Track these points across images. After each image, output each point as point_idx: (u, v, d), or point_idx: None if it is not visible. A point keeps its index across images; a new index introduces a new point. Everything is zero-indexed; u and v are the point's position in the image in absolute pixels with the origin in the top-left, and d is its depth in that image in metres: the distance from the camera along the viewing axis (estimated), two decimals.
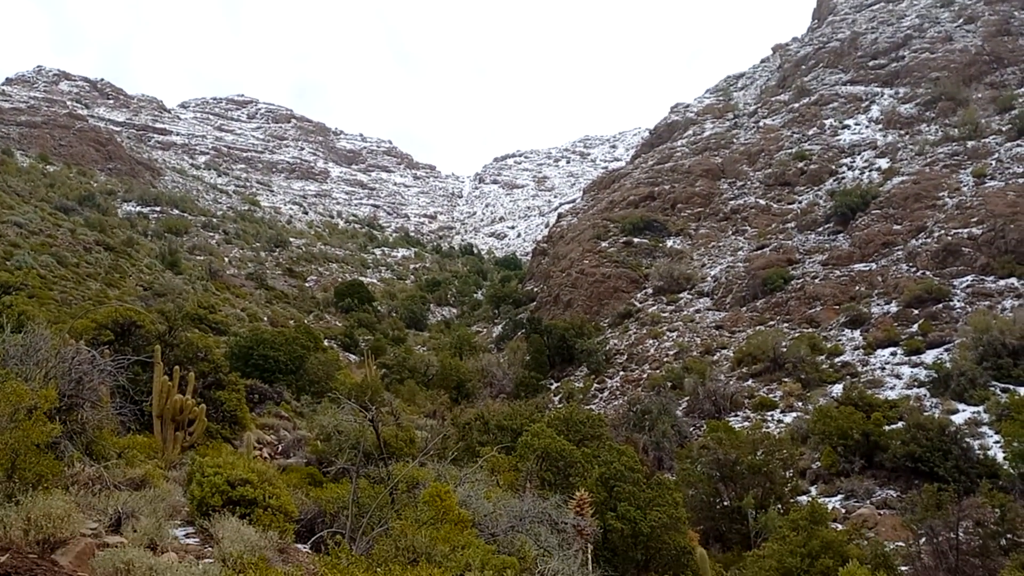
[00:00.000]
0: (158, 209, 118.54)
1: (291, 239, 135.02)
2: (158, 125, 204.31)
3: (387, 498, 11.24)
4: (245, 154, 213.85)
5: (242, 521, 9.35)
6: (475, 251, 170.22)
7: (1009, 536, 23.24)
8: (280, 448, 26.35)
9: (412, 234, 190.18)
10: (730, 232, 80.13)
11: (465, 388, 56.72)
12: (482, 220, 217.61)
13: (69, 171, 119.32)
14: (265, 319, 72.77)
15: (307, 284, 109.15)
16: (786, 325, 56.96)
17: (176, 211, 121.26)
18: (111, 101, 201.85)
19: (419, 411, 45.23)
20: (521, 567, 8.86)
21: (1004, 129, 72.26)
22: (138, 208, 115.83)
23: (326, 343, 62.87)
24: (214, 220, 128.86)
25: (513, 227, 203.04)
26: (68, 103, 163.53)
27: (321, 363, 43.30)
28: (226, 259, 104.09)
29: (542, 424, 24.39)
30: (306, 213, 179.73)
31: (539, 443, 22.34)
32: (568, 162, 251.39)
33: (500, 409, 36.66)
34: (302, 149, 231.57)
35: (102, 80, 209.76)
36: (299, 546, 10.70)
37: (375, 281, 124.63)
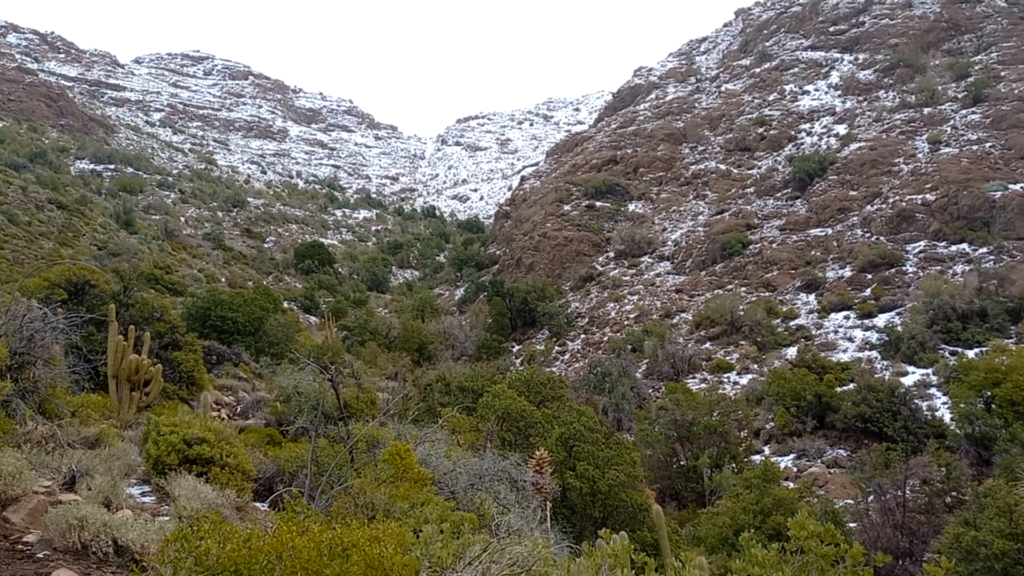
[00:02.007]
0: (112, 167, 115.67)
1: (249, 199, 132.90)
2: (111, 81, 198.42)
3: (346, 457, 11.25)
4: (201, 111, 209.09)
5: (199, 480, 9.30)
6: (437, 213, 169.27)
7: (954, 494, 24.07)
8: (239, 409, 26.19)
9: (374, 196, 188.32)
10: (691, 197, 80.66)
11: (427, 350, 56.73)
12: (444, 182, 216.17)
13: (19, 127, 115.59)
14: (223, 280, 71.80)
15: (266, 245, 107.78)
16: (744, 289, 57.75)
17: (131, 169, 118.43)
18: (62, 55, 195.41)
19: (380, 373, 45.16)
20: (480, 523, 8.95)
21: (959, 96, 73.39)
22: (91, 166, 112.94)
23: (286, 305, 62.31)
24: (170, 179, 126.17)
25: (476, 190, 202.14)
26: (17, 56, 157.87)
27: (280, 325, 42.93)
28: (182, 219, 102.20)
29: (503, 385, 24.55)
30: (264, 173, 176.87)
31: (500, 404, 22.50)
32: (531, 124, 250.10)
33: (462, 371, 36.77)
34: (260, 107, 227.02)
35: (52, 33, 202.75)
36: (257, 504, 10.68)
37: (336, 243, 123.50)
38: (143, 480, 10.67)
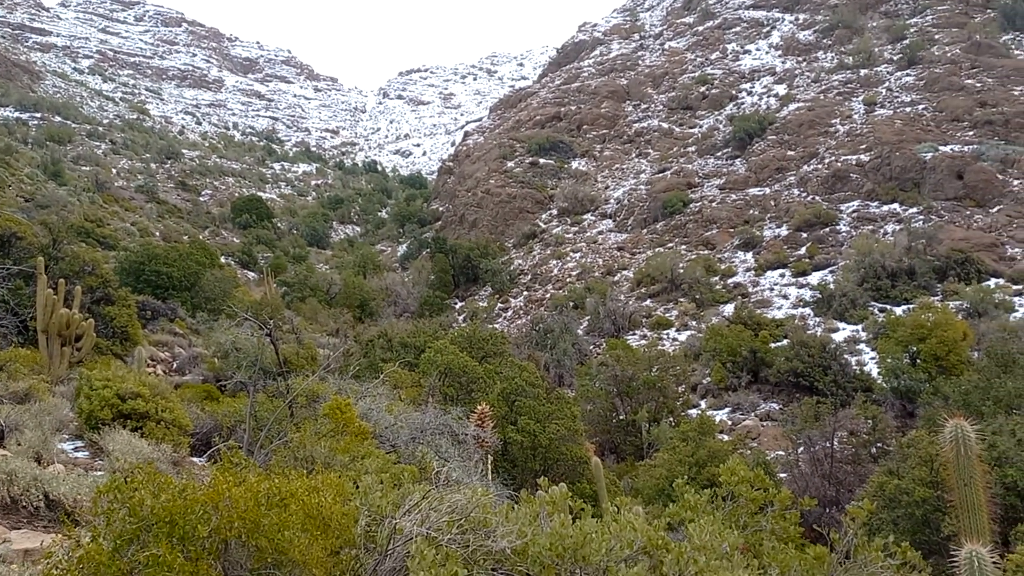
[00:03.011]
0: (38, 116, 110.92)
1: (184, 151, 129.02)
2: (36, 25, 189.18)
3: (286, 412, 11.16)
4: (133, 59, 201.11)
5: (134, 434, 9.14)
6: (379, 168, 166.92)
7: (879, 445, 25.09)
8: (175, 365, 25.71)
9: (313, 149, 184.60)
10: (633, 155, 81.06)
11: (369, 307, 56.34)
12: (386, 137, 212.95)
13: None
14: (157, 234, 69.93)
15: (201, 198, 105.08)
16: (684, 247, 58.56)
17: (58, 118, 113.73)
18: None
19: (321, 329, 44.73)
20: (421, 476, 9.01)
21: (895, 58, 74.85)
22: (16, 114, 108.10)
23: (223, 260, 61.03)
24: (100, 129, 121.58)
25: (418, 145, 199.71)
26: None
27: (217, 280, 42.09)
28: (114, 170, 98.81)
29: (445, 341, 24.54)
30: (199, 124, 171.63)
31: (442, 359, 22.52)
32: (475, 79, 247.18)
33: (404, 327, 36.66)
34: (194, 56, 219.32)
35: None
36: (195, 459, 10.56)
37: (274, 197, 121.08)
38: (76, 436, 10.44)
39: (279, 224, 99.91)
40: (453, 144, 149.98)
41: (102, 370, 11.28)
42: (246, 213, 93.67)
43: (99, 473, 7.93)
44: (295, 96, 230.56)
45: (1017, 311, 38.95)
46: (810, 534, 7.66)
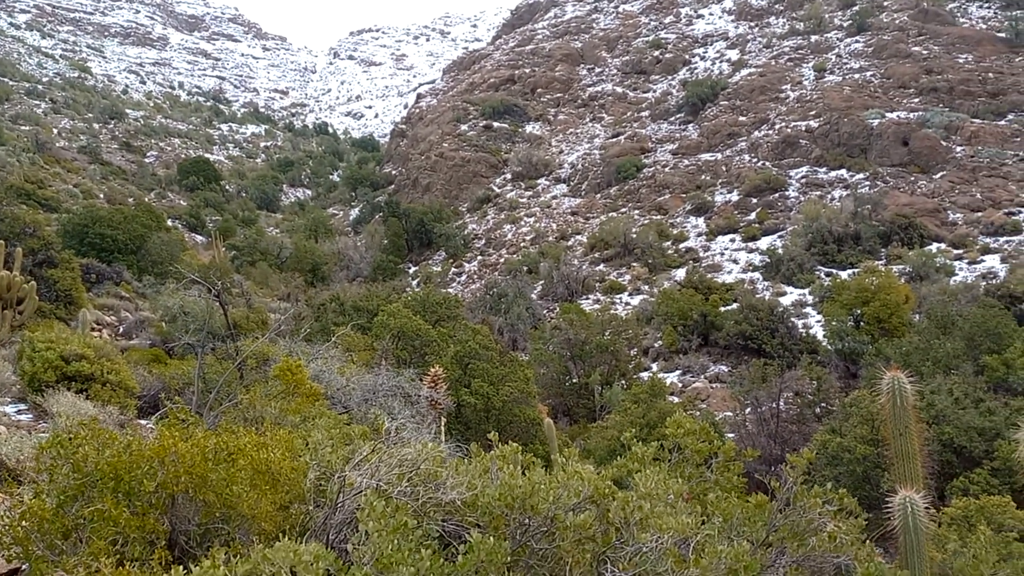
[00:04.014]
0: None
1: (128, 111, 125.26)
2: None
3: (235, 374, 11.06)
4: (72, 14, 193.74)
5: (79, 397, 8.98)
6: (330, 131, 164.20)
7: (823, 405, 25.85)
8: (121, 330, 25.24)
9: (262, 110, 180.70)
10: (588, 119, 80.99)
11: (321, 271, 55.81)
12: (337, 98, 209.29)
13: None
14: (101, 196, 68.02)
15: (147, 160, 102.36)
16: (637, 212, 58.94)
17: None
18: None
19: (272, 294, 44.28)
20: (373, 435, 9.03)
21: (845, 25, 75.67)
22: None
23: (170, 223, 59.75)
24: (39, 87, 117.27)
25: (370, 107, 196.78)
26: None
27: (164, 243, 41.28)
28: (55, 130, 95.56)
29: (399, 305, 24.46)
30: (144, 83, 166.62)
31: (395, 322, 22.46)
32: (428, 40, 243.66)
33: (357, 291, 36.42)
34: (137, 12, 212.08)
35: None
36: (142, 421, 10.42)
37: (222, 159, 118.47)
38: (19, 398, 10.22)
39: (228, 187, 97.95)
40: (406, 106, 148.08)
41: (45, 332, 11.03)
42: (193, 175, 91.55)
43: (44, 435, 7.80)
44: (243, 55, 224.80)
45: (957, 275, 40.15)
46: (754, 487, 7.87)
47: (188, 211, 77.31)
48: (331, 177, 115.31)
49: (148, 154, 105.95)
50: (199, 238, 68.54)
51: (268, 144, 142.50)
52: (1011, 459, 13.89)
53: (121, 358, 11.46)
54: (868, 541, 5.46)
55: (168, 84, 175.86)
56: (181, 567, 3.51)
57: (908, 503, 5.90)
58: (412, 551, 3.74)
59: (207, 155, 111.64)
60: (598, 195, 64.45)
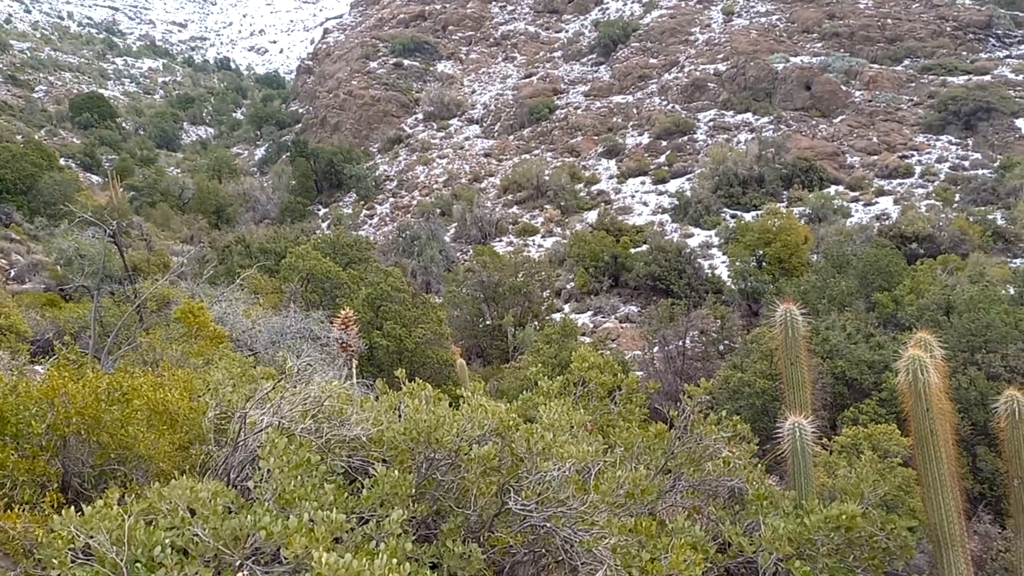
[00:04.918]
0: None
1: (12, 42, 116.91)
2: None
3: (135, 317, 10.67)
4: None
5: None
6: (233, 66, 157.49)
7: (727, 342, 26.85)
8: (12, 274, 23.98)
9: (159, 44, 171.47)
10: (500, 59, 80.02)
11: (225, 213, 54.06)
12: (240, 32, 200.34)
13: None
14: None
15: (36, 95, 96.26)
16: (550, 154, 59.02)
17: None
18: None
19: (174, 236, 42.70)
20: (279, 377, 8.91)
21: None
22: None
23: (62, 162, 56.67)
24: None
25: (275, 42, 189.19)
26: None
27: (57, 183, 39.19)
28: None
29: (308, 247, 24.01)
30: (28, 12, 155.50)
31: (304, 265, 22.07)
32: None
33: (264, 233, 35.49)
34: None
35: None
36: (36, 368, 9.99)
37: (118, 95, 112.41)
38: None
39: (124, 124, 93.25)
40: (312, 42, 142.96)
41: None
42: (87, 112, 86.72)
43: None
44: None
45: (853, 216, 41.93)
46: (659, 421, 8.13)
47: (82, 149, 73.47)
48: (234, 115, 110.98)
49: (36, 89, 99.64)
50: (95, 178, 65.32)
51: (167, 80, 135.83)
52: (896, 389, 14.76)
53: (12, 302, 10.91)
54: (760, 466, 5.76)
55: (56, 14, 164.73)
56: (73, 509, 3.41)
57: (796, 428, 6.23)
58: (316, 487, 3.73)
59: (101, 91, 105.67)
60: (511, 136, 64.16)
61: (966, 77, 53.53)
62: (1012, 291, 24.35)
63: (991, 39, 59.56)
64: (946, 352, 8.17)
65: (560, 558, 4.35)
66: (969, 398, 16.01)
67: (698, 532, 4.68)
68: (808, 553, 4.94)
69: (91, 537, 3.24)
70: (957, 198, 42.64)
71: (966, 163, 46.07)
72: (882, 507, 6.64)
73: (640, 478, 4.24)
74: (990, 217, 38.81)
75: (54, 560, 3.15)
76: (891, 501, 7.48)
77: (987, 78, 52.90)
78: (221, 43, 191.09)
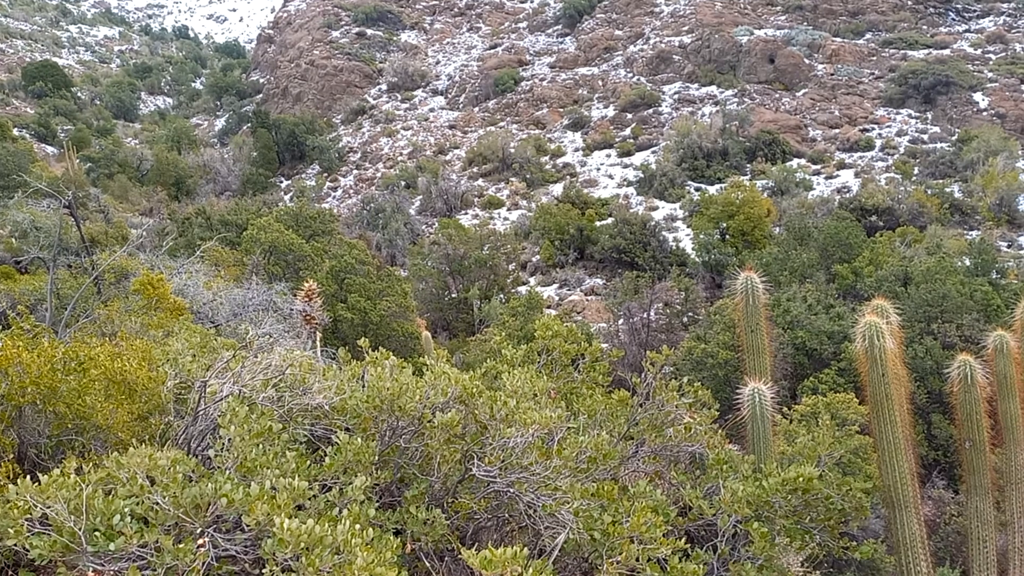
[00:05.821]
0: None
1: None
2: None
3: (92, 289, 10.48)
4: None
5: None
6: (191, 35, 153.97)
7: (690, 314, 27.15)
8: None
9: (115, 11, 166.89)
10: (465, 28, 79.22)
11: (185, 185, 53.13)
12: (198, 0, 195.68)
13: None
14: None
15: None
16: (515, 127, 58.74)
17: None
18: None
19: (133, 209, 41.93)
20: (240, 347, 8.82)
21: None
22: None
23: (15, 132, 55.20)
24: None
25: (234, 10, 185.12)
26: None
27: (10, 154, 38.24)
28: None
29: (270, 219, 23.74)
30: None
31: (266, 237, 21.81)
32: None
33: (225, 206, 35.02)
34: None
35: None
36: None
37: (72, 63, 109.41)
38: None
39: (80, 94, 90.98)
40: (273, 10, 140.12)
41: None
42: (40, 81, 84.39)
43: None
44: None
45: (815, 189, 42.42)
46: (621, 388, 8.20)
47: (36, 120, 71.63)
48: (194, 85, 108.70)
49: None
50: (50, 149, 63.80)
51: (123, 48, 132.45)
52: (854, 357, 15.06)
53: None
54: (721, 432, 5.86)
55: None
56: (30, 479, 3.36)
57: (755, 393, 6.35)
58: (277, 455, 3.72)
59: (55, 59, 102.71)
60: (476, 108, 63.70)
61: (926, 51, 54.17)
62: (968, 262, 24.92)
63: (951, 13, 60.27)
64: (903, 322, 8.35)
65: (523, 523, 4.40)
66: (925, 367, 16.42)
67: (659, 496, 4.76)
68: (766, 515, 5.05)
69: (48, 507, 3.20)
70: (916, 171, 43.34)
71: (925, 136, 46.78)
72: (838, 470, 6.81)
73: (602, 443, 4.29)
74: (947, 190, 39.56)
75: (10, 530, 3.11)
76: (847, 465, 7.66)
77: (946, 52, 53.60)
78: (179, 11, 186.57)
